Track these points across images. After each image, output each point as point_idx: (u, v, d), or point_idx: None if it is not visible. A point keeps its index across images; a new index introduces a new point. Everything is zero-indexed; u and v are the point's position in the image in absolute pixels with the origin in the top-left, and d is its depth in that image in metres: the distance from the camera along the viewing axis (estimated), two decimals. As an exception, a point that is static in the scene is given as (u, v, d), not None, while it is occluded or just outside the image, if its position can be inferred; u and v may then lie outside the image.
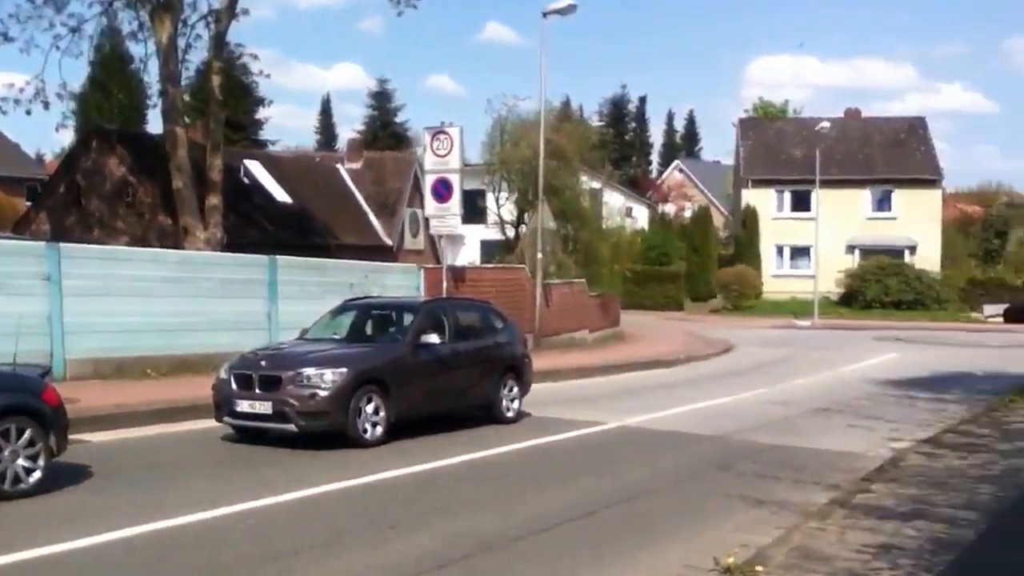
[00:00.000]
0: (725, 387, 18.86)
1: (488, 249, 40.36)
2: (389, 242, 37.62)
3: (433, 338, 12.53)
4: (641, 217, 56.63)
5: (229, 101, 34.56)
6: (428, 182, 22.29)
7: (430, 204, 22.26)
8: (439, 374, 12.64)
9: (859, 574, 6.68)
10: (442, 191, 21.55)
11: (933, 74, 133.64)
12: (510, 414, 13.68)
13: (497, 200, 35.16)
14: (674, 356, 24.48)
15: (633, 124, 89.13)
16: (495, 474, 10.58)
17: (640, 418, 14.48)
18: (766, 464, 11.27)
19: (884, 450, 12.30)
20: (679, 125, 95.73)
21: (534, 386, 14.91)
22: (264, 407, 11.12)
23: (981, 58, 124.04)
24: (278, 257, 18.37)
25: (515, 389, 13.79)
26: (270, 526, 8.05)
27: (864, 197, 53.03)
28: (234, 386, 11.43)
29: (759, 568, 6.68)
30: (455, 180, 21.44)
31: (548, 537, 8.01)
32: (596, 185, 38.49)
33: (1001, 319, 47.13)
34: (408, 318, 13.02)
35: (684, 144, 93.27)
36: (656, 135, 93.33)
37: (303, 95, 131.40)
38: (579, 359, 22.77)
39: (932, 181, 53.37)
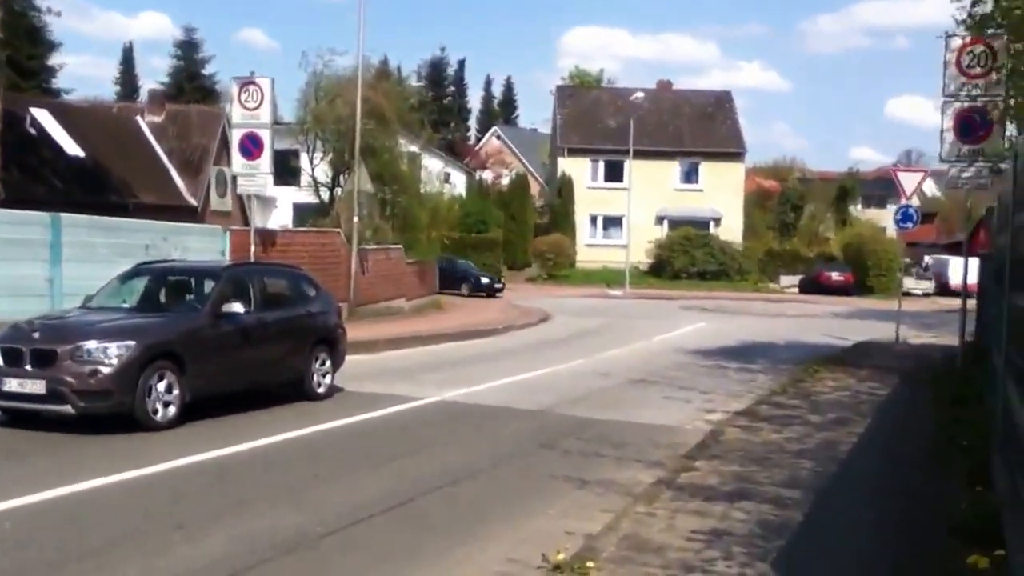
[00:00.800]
0: (543, 358, 18.52)
1: (302, 212, 38.71)
2: (194, 202, 35.45)
3: (236, 307, 11.40)
4: (459, 183, 56.01)
5: (13, 41, 31.36)
6: (236, 137, 20.73)
7: (238, 161, 20.70)
8: (243, 347, 11.55)
9: (693, 566, 6.24)
10: (251, 147, 20.07)
11: (735, 52, 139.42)
12: (321, 390, 12.74)
13: (311, 160, 33.60)
14: (492, 326, 24.04)
15: (452, 88, 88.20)
16: (303, 459, 9.68)
17: (459, 391, 13.85)
18: (588, 440, 10.86)
19: (701, 423, 12.16)
20: (497, 91, 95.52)
21: (348, 358, 14.02)
22: (36, 386, 9.76)
23: (778, 38, 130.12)
24: (62, 215, 16.56)
25: (327, 363, 12.84)
26: (32, 531, 6.90)
27: (673, 169, 54.37)
28: (1, 362, 9.98)
29: (590, 564, 6.13)
30: (265, 136, 20.01)
31: (359, 532, 7.23)
32: (415, 148, 37.47)
33: (796, 289, 49.55)
34: (208, 285, 11.81)
35: (502, 111, 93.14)
36: (474, 100, 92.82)
37: (104, 44, 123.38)
38: (396, 329, 21.97)
39: (736, 154, 55.33)
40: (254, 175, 20.76)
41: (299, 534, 7.05)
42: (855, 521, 7.39)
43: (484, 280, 40.05)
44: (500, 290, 39.95)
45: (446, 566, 6.54)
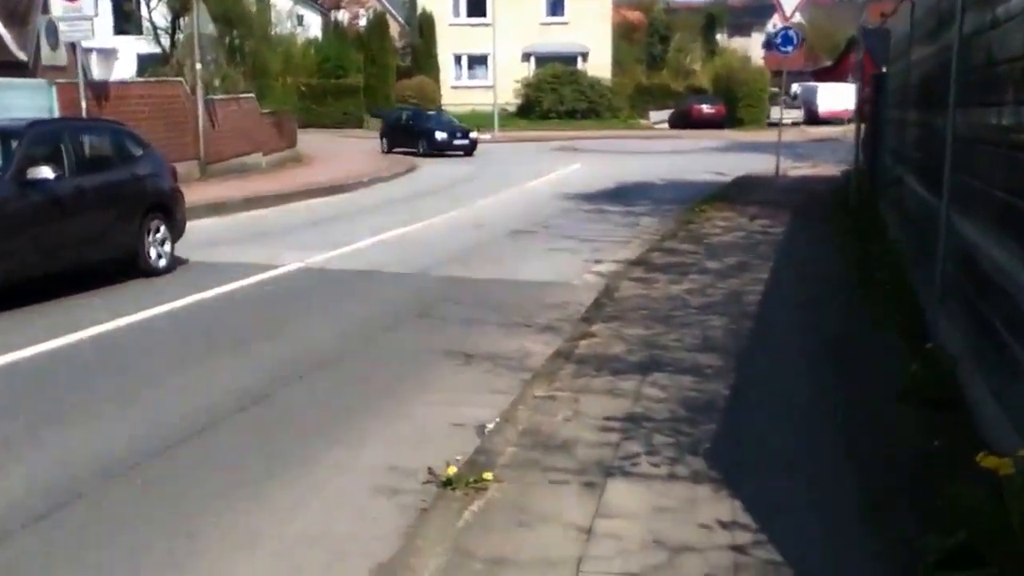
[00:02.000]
0: (413, 211, 17.06)
1: (145, 64, 35.22)
2: (23, 56, 31.54)
3: (45, 172, 9.50)
4: (313, 25, 52.36)
5: None
6: (53, -22, 17.96)
7: (58, 5, 18.07)
8: (57, 220, 9.71)
9: (612, 468, 5.12)
10: (69, -13, 17.40)
11: None
12: (161, 263, 11.02)
13: (147, 3, 30.24)
14: (357, 179, 22.28)
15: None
16: (139, 348, 8.12)
17: (323, 256, 12.36)
18: (469, 305, 9.62)
19: (591, 276, 11.08)
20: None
21: (198, 223, 12.28)
22: None
23: None
24: None
25: (164, 233, 11.09)
26: None
27: (538, 1, 51.99)
28: None
29: (487, 476, 4.94)
30: (82, -27, 17.34)
31: (204, 443, 5.87)
32: (260, -15, 34.23)
33: (667, 125, 48.80)
34: (11, 145, 9.79)
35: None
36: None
37: None
38: (252, 187, 20.02)
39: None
40: (77, 20, 18.19)
41: (129, 452, 5.64)
42: (789, 392, 6.41)
43: (457, 136, 31.53)
44: (473, 147, 31.82)
45: (309, 482, 5.27)
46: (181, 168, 20.70)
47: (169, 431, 6.01)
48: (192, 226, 12.49)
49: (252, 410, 6.50)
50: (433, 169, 26.41)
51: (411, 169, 26.04)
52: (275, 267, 11.52)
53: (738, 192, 19.14)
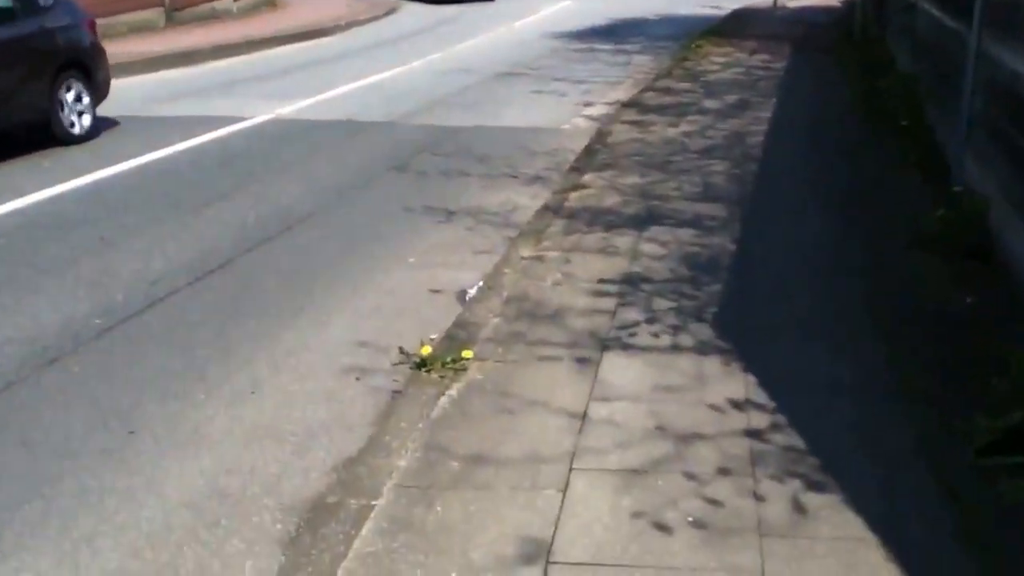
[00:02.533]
0: (393, 55, 15.98)
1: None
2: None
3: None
4: None
5: None
6: None
7: None
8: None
9: (609, 339, 4.51)
10: None
11: None
12: (77, 130, 9.73)
13: None
14: (334, 22, 20.97)
15: None
16: (78, 219, 7.39)
17: (295, 105, 11.47)
18: (450, 155, 8.85)
19: (581, 121, 10.26)
20: None
21: (165, 75, 11.37)
22: None
23: None
24: None
25: (83, 93, 9.84)
26: None
27: None
28: None
29: (467, 354, 4.33)
30: None
31: (153, 319, 5.26)
32: None
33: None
34: None
35: None
36: None
37: None
38: (222, 34, 18.77)
39: None
40: None
41: (64, 333, 5.01)
42: (802, 244, 5.76)
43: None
44: None
45: (268, 362, 4.67)
46: (144, 15, 19.49)
47: (111, 307, 5.36)
48: (156, 78, 11.57)
49: (207, 280, 5.85)
50: (414, 9, 24.97)
51: (392, 11, 24.61)
52: (242, 119, 10.67)
53: (736, 26, 17.98)
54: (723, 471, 3.38)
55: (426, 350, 4.28)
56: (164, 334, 5.03)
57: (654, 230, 6.09)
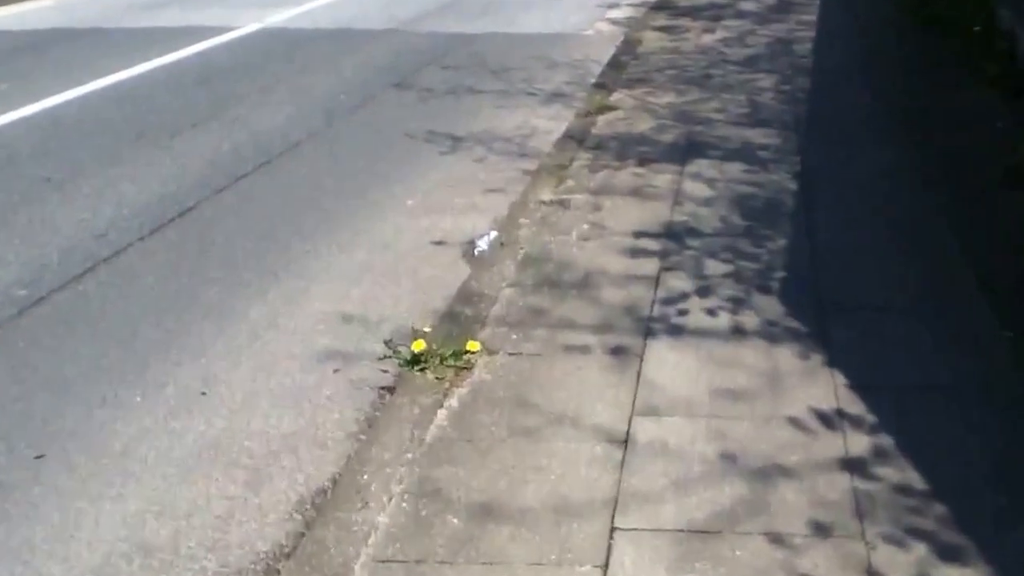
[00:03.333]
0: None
1: None
2: None
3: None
4: None
5: None
6: None
7: None
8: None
9: (651, 318, 3.54)
10: None
11: None
12: None
13: None
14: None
15: None
16: (30, 149, 6.38)
17: (286, 14, 10.33)
18: (459, 68, 7.77)
19: (605, 26, 9.12)
20: None
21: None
22: None
23: None
24: None
25: None
26: None
27: None
28: None
29: (472, 346, 3.38)
30: None
31: (84, 291, 4.30)
32: None
33: None
34: None
35: None
36: None
37: None
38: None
39: None
40: None
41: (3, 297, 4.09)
42: (877, 181, 4.74)
43: None
44: None
45: (231, 346, 3.73)
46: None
47: (42, 272, 4.42)
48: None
49: (163, 233, 4.89)
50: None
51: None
52: (228, 30, 9.55)
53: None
54: (819, 529, 2.44)
55: (419, 345, 3.31)
56: (101, 310, 4.09)
57: (698, 164, 5.05)
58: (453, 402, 3.09)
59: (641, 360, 3.22)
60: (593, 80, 7.07)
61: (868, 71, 6.80)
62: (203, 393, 3.48)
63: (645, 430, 2.85)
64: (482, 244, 4.50)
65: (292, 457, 3.05)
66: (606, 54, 7.78)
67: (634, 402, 2.99)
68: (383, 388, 3.43)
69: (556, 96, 6.89)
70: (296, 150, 6.05)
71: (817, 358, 3.19)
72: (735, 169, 4.93)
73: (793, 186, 4.68)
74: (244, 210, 5.12)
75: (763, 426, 2.85)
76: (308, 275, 4.34)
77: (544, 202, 4.69)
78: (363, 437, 3.13)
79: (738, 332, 3.36)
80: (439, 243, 4.62)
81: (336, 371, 3.57)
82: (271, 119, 6.67)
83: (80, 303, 4.13)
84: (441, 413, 3.03)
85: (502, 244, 4.25)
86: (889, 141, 5.28)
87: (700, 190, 4.69)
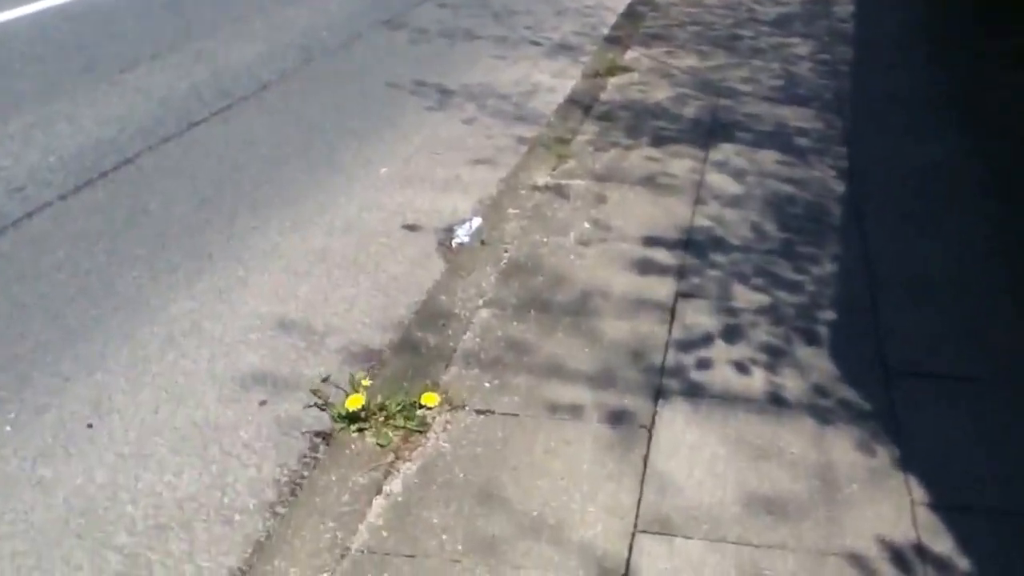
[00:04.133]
0: None
1: None
2: None
3: None
4: None
5: None
6: None
7: None
8: None
9: (663, 370, 2.67)
10: None
11: None
12: None
13: None
14: None
15: None
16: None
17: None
18: (456, 9, 6.82)
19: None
20: None
21: None
22: None
23: None
24: None
25: None
26: None
27: None
28: None
29: (429, 400, 2.54)
30: None
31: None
32: None
33: None
34: None
35: None
36: None
37: None
38: None
39: None
40: None
41: None
42: (940, 181, 3.82)
43: None
44: None
45: (138, 358, 2.88)
46: None
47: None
48: None
49: (89, 191, 4.00)
50: None
51: None
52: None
53: None
54: None
55: (355, 401, 2.42)
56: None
57: (724, 150, 4.13)
58: (395, 486, 2.23)
59: (650, 437, 2.36)
60: (606, 32, 6.09)
61: (919, 39, 5.83)
62: (89, 425, 2.64)
63: (652, 557, 2.00)
64: (461, 234, 3.62)
65: (182, 539, 2.20)
66: (621, 2, 6.78)
67: (639, 507, 2.13)
68: (318, 435, 2.58)
69: (563, 48, 5.92)
70: (262, 94, 5.11)
71: (885, 453, 2.33)
72: (769, 159, 4.02)
73: (840, 187, 3.77)
74: (190, 167, 4.20)
75: (814, 566, 2.00)
76: (249, 260, 3.45)
77: (539, 187, 3.78)
78: (280, 511, 2.29)
79: (777, 402, 2.49)
80: (411, 228, 3.73)
81: (262, 404, 2.71)
82: (240, 55, 5.70)
83: (-45, 288, 3.23)
84: (378, 504, 2.17)
85: (483, 242, 3.36)
86: (951, 130, 4.35)
87: (727, 185, 3.78)
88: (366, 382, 2.43)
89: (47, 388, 2.77)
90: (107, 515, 2.30)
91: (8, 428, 2.61)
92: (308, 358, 2.93)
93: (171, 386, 2.79)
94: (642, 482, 2.19)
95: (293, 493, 2.38)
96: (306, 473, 2.45)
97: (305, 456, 2.53)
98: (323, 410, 2.56)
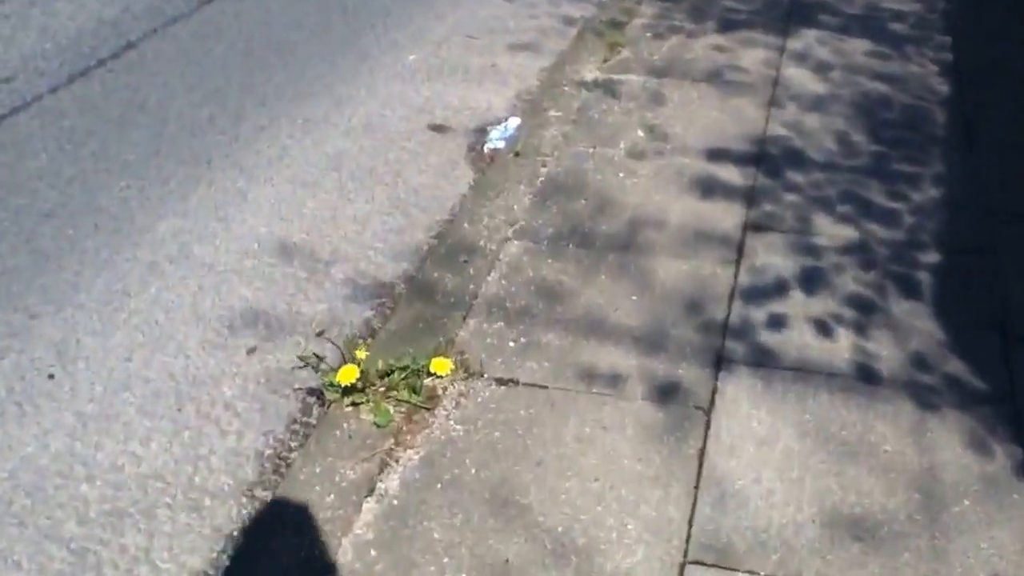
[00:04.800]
0: None
1: None
2: None
3: None
4: None
5: None
6: None
7: None
8: None
9: (728, 330, 2.15)
10: None
11: None
12: None
13: None
14: None
15: None
16: None
17: None
18: None
19: None
20: None
21: None
22: None
23: None
24: None
25: None
26: None
27: None
28: None
29: (440, 368, 2.04)
30: None
31: None
32: None
33: None
34: None
35: None
36: None
37: None
38: None
39: None
40: None
41: None
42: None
43: None
44: None
45: (135, 262, 2.44)
46: None
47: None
48: None
49: (89, 79, 3.51)
50: None
51: None
52: None
53: None
54: None
55: (349, 374, 1.93)
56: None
57: (805, 37, 3.46)
58: (392, 483, 1.78)
59: (707, 423, 1.87)
60: None
61: None
62: (51, 376, 2.22)
63: (706, 597, 1.54)
64: (495, 138, 3.07)
65: (140, 530, 1.80)
66: None
67: (690, 525, 1.66)
68: (311, 394, 2.14)
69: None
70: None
71: (1004, 455, 1.81)
72: (858, 49, 3.35)
73: (944, 87, 3.11)
74: (196, 53, 3.67)
75: (914, 610, 1.52)
76: (253, 169, 2.97)
77: (586, 83, 3.18)
78: (260, 494, 1.87)
79: (868, 378, 1.97)
80: (439, 129, 3.19)
81: (251, 352, 2.27)
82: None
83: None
84: (368, 509, 1.73)
85: (516, 153, 2.81)
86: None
87: (808, 82, 3.15)
88: (362, 353, 1.95)
89: (9, 327, 2.35)
90: (57, 496, 1.91)
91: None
92: (308, 292, 2.47)
93: (148, 326, 2.36)
94: (696, 488, 1.72)
95: (276, 471, 1.96)
96: (294, 444, 2.02)
97: (295, 423, 2.09)
98: (316, 372, 2.10)
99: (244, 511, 1.87)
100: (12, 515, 1.87)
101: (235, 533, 1.81)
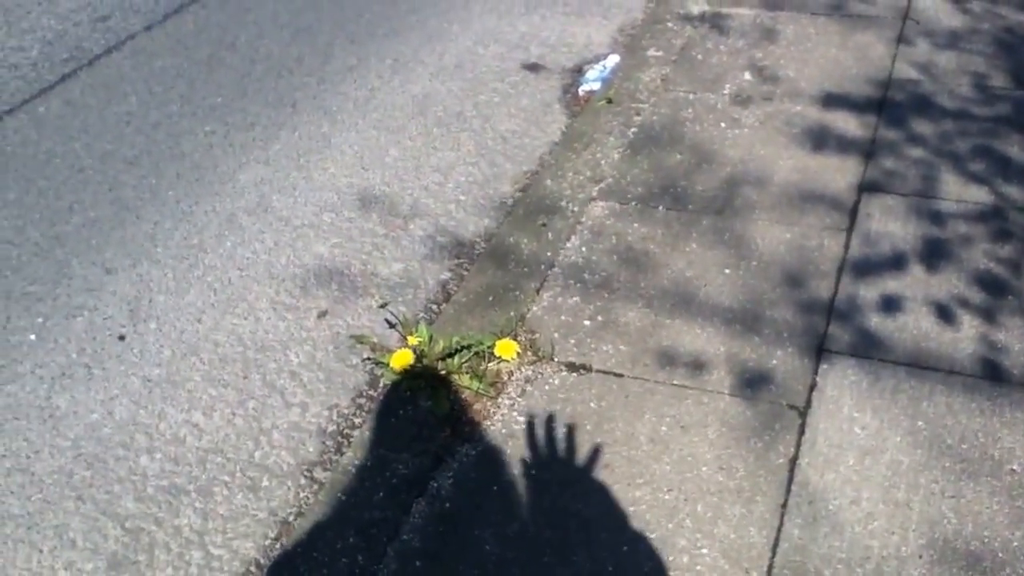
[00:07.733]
0: None
1: None
2: None
3: None
4: None
5: None
6: None
7: None
8: None
9: (833, 308, 1.82)
10: None
11: None
12: None
13: None
14: None
15: None
16: None
17: None
18: None
19: None
20: None
21: None
22: None
23: None
24: None
25: None
26: None
27: None
28: None
29: (505, 351, 1.81)
30: None
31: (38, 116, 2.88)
32: None
33: None
34: None
35: None
36: None
37: None
38: None
39: None
40: None
41: None
42: None
43: None
44: None
45: (213, 213, 2.32)
46: None
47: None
48: None
49: (182, 17, 3.33)
50: None
51: None
52: None
53: None
54: None
55: (403, 358, 1.73)
56: (34, 149, 2.67)
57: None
58: (446, 482, 1.58)
59: (802, 427, 1.58)
60: None
61: None
62: (121, 338, 2.11)
63: (786, 643, 1.29)
64: (592, 78, 2.77)
65: (195, 511, 1.67)
66: None
67: (774, 551, 1.40)
68: (379, 365, 1.96)
69: None
70: None
71: None
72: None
73: None
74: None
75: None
76: (338, 113, 2.77)
77: (692, 17, 2.81)
78: (320, 475, 1.71)
79: (995, 377, 1.63)
80: (533, 68, 2.90)
81: (321, 316, 2.10)
82: None
83: (30, 128, 2.71)
84: (417, 511, 1.53)
85: (609, 100, 2.49)
86: None
87: (944, 15, 2.69)
88: (415, 339, 1.73)
89: (85, 283, 2.24)
90: (117, 469, 1.79)
91: (32, 337, 2.11)
92: (385, 251, 2.26)
93: (221, 284, 2.21)
94: (783, 507, 1.45)
95: (338, 450, 1.79)
96: (357, 420, 1.85)
97: (360, 395, 1.91)
98: (370, 361, 1.90)
99: (302, 494, 1.71)
100: (72, 488, 1.77)
101: (290, 519, 1.66)
